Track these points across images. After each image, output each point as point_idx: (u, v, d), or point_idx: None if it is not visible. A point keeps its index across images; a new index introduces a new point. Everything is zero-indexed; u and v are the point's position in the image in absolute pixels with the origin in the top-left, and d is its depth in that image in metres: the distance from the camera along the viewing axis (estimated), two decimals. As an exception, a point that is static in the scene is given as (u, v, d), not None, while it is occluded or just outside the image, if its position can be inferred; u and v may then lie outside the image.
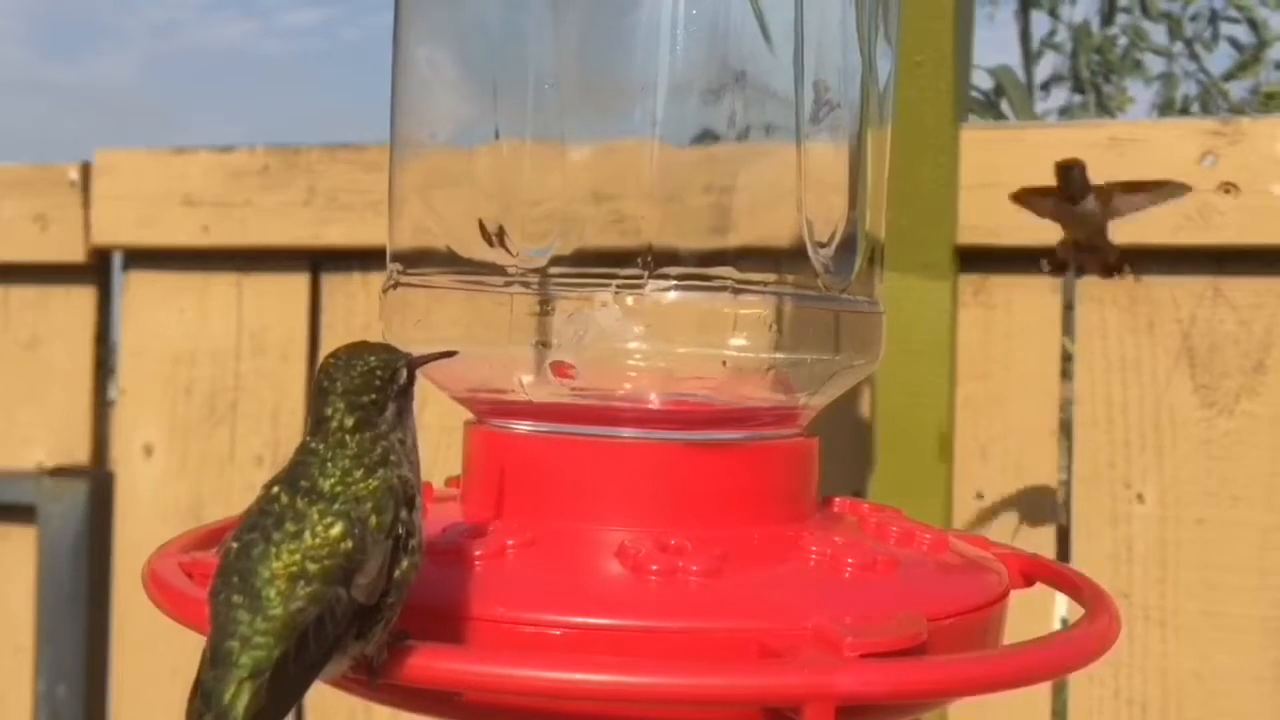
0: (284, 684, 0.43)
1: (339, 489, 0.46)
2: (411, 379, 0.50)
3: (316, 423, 0.48)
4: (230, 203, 1.26)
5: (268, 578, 0.45)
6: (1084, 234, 0.91)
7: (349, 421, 0.47)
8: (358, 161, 1.22)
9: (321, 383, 0.48)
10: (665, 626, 0.50)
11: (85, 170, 1.30)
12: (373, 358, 0.49)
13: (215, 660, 0.44)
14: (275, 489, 0.47)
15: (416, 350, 0.62)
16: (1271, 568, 0.99)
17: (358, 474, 0.47)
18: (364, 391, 0.48)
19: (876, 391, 1.06)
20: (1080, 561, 1.02)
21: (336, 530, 0.45)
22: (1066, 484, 1.06)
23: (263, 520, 0.46)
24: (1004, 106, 2.04)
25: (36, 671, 1.30)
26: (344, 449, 0.47)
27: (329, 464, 0.47)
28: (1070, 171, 0.88)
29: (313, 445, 0.48)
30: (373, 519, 0.46)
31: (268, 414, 1.27)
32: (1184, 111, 2.70)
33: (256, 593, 0.44)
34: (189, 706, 0.44)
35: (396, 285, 0.62)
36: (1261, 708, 0.99)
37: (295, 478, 0.47)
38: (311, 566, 0.45)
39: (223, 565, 0.46)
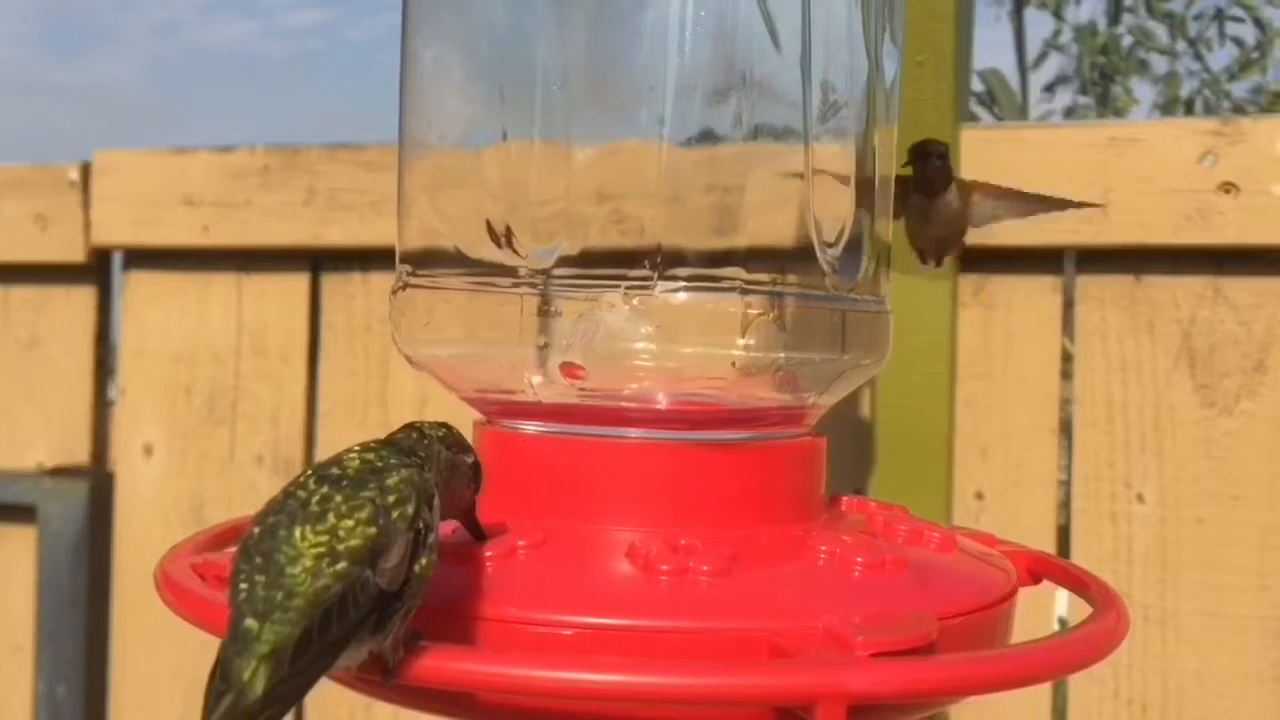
0: (305, 661, 0.43)
1: (368, 476, 0.47)
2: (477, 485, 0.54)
3: (394, 439, 0.51)
4: (230, 203, 1.26)
5: (293, 556, 0.45)
6: (938, 232, 0.81)
7: (439, 450, 0.51)
8: (358, 161, 1.22)
9: (427, 433, 0.52)
10: (676, 626, 0.50)
11: (85, 170, 1.30)
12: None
13: (235, 637, 0.44)
14: (303, 477, 0.48)
15: (425, 352, 0.62)
16: (1271, 568, 0.99)
17: (392, 460, 0.48)
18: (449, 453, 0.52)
19: (877, 391, 1.06)
20: (1080, 561, 1.03)
21: (364, 514, 0.46)
22: (1066, 484, 1.06)
23: (288, 504, 0.47)
24: (995, 110, 2.05)
25: (36, 671, 1.30)
26: (390, 444, 0.50)
27: (365, 453, 0.48)
28: (927, 159, 0.78)
29: (370, 443, 0.50)
30: (396, 509, 0.46)
31: (268, 414, 1.27)
32: (1188, 110, 2.71)
33: (280, 570, 0.44)
34: (209, 684, 0.43)
35: (406, 287, 0.62)
36: (1261, 708, 0.99)
37: (326, 466, 0.48)
38: (339, 546, 0.45)
39: (244, 546, 0.46)
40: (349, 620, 0.45)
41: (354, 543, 0.45)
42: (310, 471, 0.48)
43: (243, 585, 0.45)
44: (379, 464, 0.48)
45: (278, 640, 0.43)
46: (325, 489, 0.47)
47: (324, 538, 0.45)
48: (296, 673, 0.43)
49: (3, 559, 1.34)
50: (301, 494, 0.47)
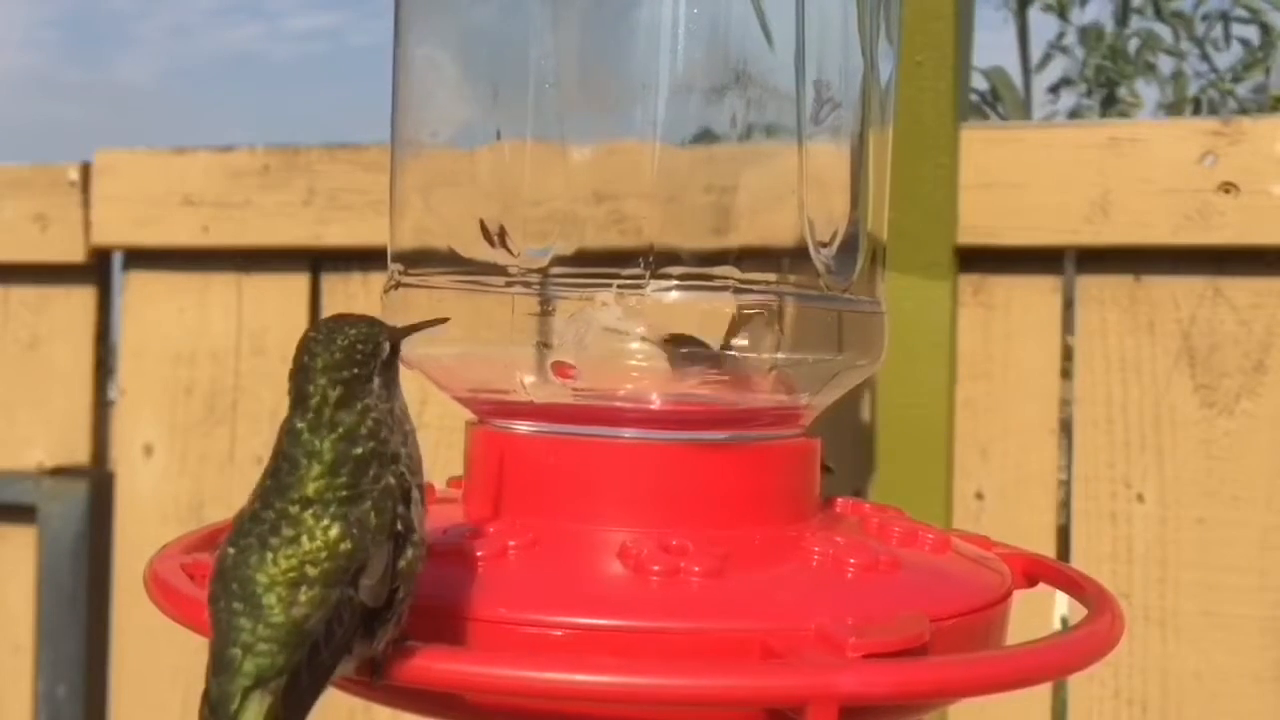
0: (298, 692, 0.43)
1: (327, 494, 0.46)
2: (395, 351, 0.49)
3: (299, 400, 0.47)
4: (230, 203, 1.26)
5: (267, 584, 0.44)
6: None
7: (333, 395, 0.47)
8: (358, 161, 1.22)
9: (303, 359, 0.48)
10: (667, 627, 0.50)
11: (85, 170, 1.30)
12: (353, 330, 0.48)
13: (218, 668, 0.44)
14: (265, 493, 0.46)
15: (418, 351, 0.62)
16: (1271, 568, 0.99)
17: (345, 469, 0.46)
18: (346, 366, 0.47)
19: (877, 392, 1.06)
20: (1080, 561, 1.02)
21: (335, 532, 0.45)
22: (1066, 484, 1.06)
23: (257, 526, 0.46)
24: (999, 108, 2.04)
25: (36, 671, 1.30)
26: (331, 430, 0.46)
27: (314, 460, 0.46)
28: None
29: (298, 425, 0.47)
30: (372, 519, 0.46)
31: (268, 414, 1.27)
32: (1195, 112, 2.69)
33: (257, 599, 0.44)
34: (200, 716, 0.43)
35: (398, 285, 0.62)
36: (1261, 708, 0.99)
37: (282, 478, 0.46)
38: (311, 571, 0.44)
39: (219, 570, 0.46)
40: (336, 645, 0.44)
41: (327, 565, 0.44)
42: (269, 484, 0.46)
43: (221, 614, 0.44)
44: (340, 467, 0.46)
45: (260, 670, 0.43)
46: (292, 509, 0.45)
47: (294, 562, 0.44)
48: (291, 703, 0.43)
49: (3, 559, 1.34)
50: (270, 515, 0.46)
